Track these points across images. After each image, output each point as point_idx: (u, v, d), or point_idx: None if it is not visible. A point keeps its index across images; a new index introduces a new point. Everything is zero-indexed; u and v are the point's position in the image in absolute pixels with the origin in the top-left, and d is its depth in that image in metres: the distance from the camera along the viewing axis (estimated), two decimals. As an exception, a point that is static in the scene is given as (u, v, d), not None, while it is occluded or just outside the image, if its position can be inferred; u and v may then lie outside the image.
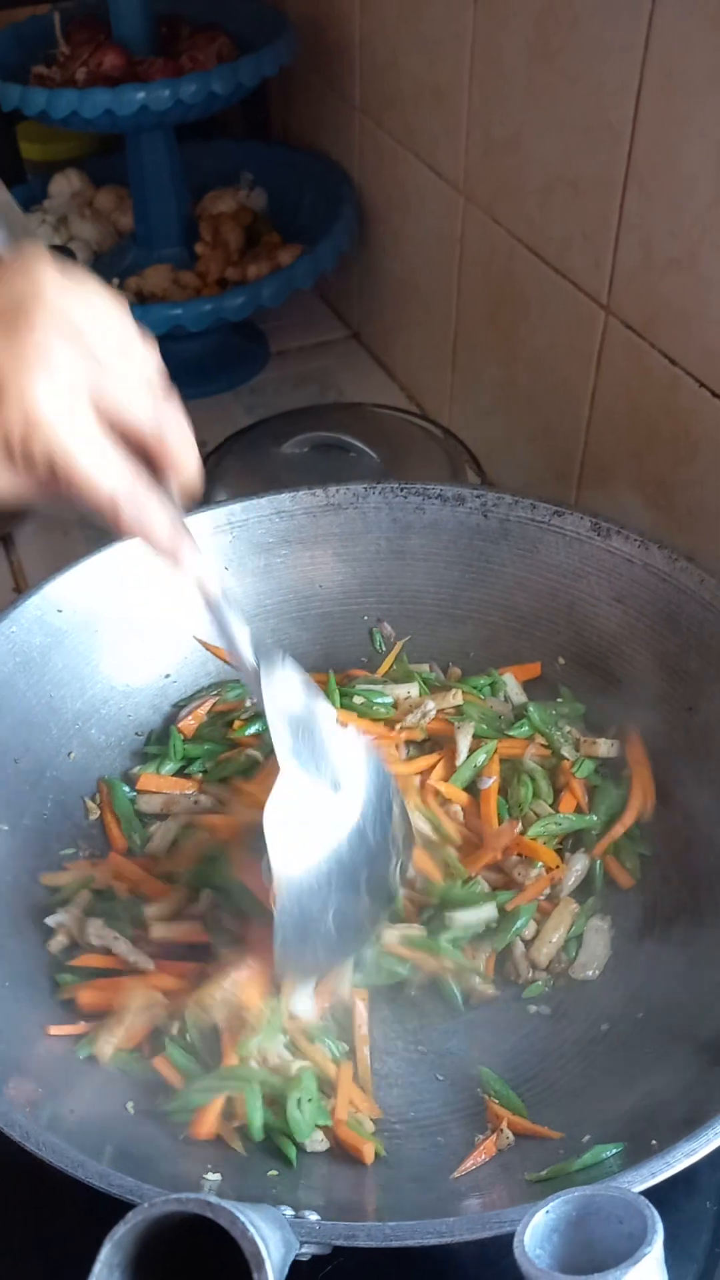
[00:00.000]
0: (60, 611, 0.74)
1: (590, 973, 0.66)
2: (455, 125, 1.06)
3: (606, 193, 0.88)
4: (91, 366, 0.47)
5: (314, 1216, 0.45)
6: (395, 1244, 0.44)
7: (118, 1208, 0.41)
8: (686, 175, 0.79)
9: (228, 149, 1.40)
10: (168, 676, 0.80)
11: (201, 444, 1.17)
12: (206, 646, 0.81)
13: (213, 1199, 0.35)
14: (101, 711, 0.76)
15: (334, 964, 0.63)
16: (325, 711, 0.62)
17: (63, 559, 0.77)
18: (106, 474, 0.48)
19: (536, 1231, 0.42)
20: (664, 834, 0.71)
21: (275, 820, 0.58)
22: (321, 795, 0.60)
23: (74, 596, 0.75)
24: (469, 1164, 0.58)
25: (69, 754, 0.74)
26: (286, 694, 0.60)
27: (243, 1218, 0.35)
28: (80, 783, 0.74)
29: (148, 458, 0.51)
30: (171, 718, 0.79)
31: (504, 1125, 0.59)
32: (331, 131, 1.32)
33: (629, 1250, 0.41)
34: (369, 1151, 0.57)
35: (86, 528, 1.07)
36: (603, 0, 0.83)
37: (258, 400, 1.27)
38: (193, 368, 1.30)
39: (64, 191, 1.36)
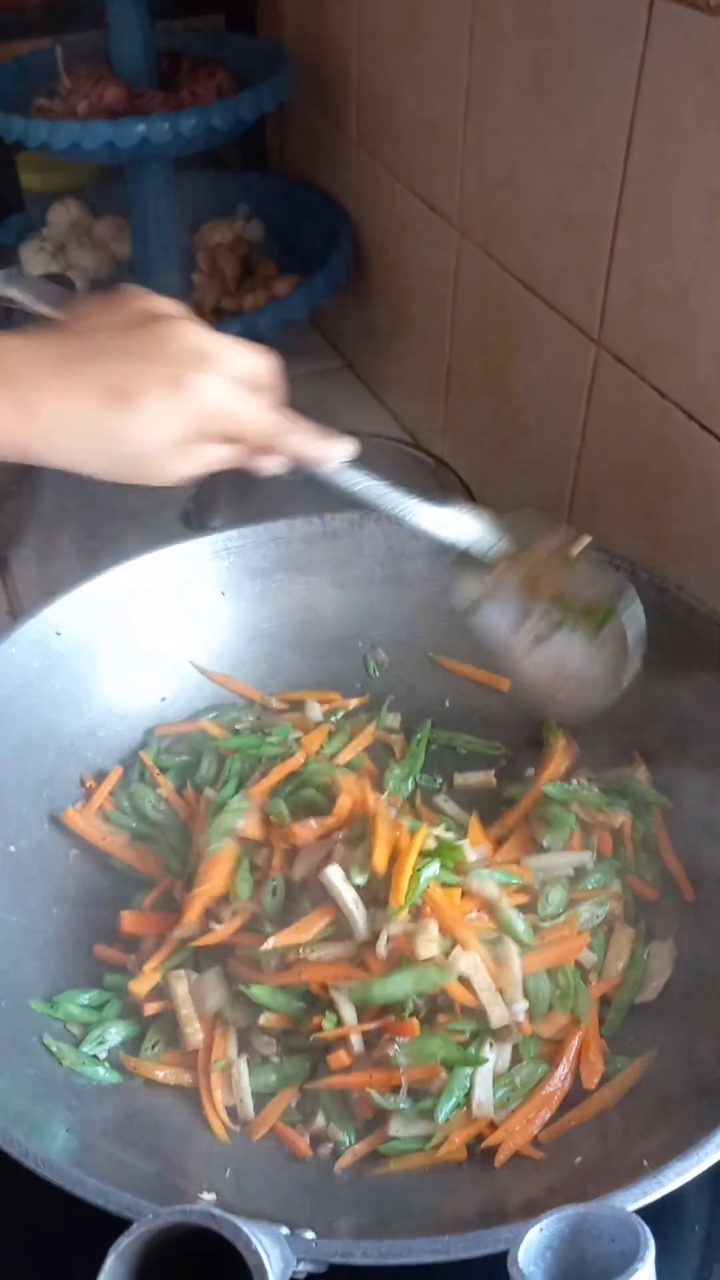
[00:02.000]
0: (59, 635, 0.75)
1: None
2: (451, 161, 1.08)
3: (599, 229, 0.90)
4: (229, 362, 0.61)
5: (310, 1235, 0.45)
6: (391, 1262, 0.44)
7: (115, 1224, 0.41)
8: (678, 214, 0.81)
9: (226, 181, 1.42)
10: (163, 699, 0.80)
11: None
12: (202, 671, 0.82)
13: (216, 1211, 0.36)
14: (99, 734, 0.77)
15: None
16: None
17: (57, 584, 0.79)
18: (262, 415, 0.62)
19: (530, 1248, 0.42)
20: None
21: None
22: None
23: (72, 620, 0.76)
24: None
25: (67, 775, 0.74)
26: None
27: (246, 1229, 0.35)
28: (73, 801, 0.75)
29: None
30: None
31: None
32: (328, 165, 1.34)
33: (621, 1267, 0.41)
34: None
35: (81, 552, 1.08)
36: (596, 42, 0.85)
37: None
38: (188, 395, 1.31)
39: (63, 221, 1.38)
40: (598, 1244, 0.43)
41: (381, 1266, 0.45)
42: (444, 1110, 0.61)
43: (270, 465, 0.65)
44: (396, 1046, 0.61)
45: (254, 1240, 0.35)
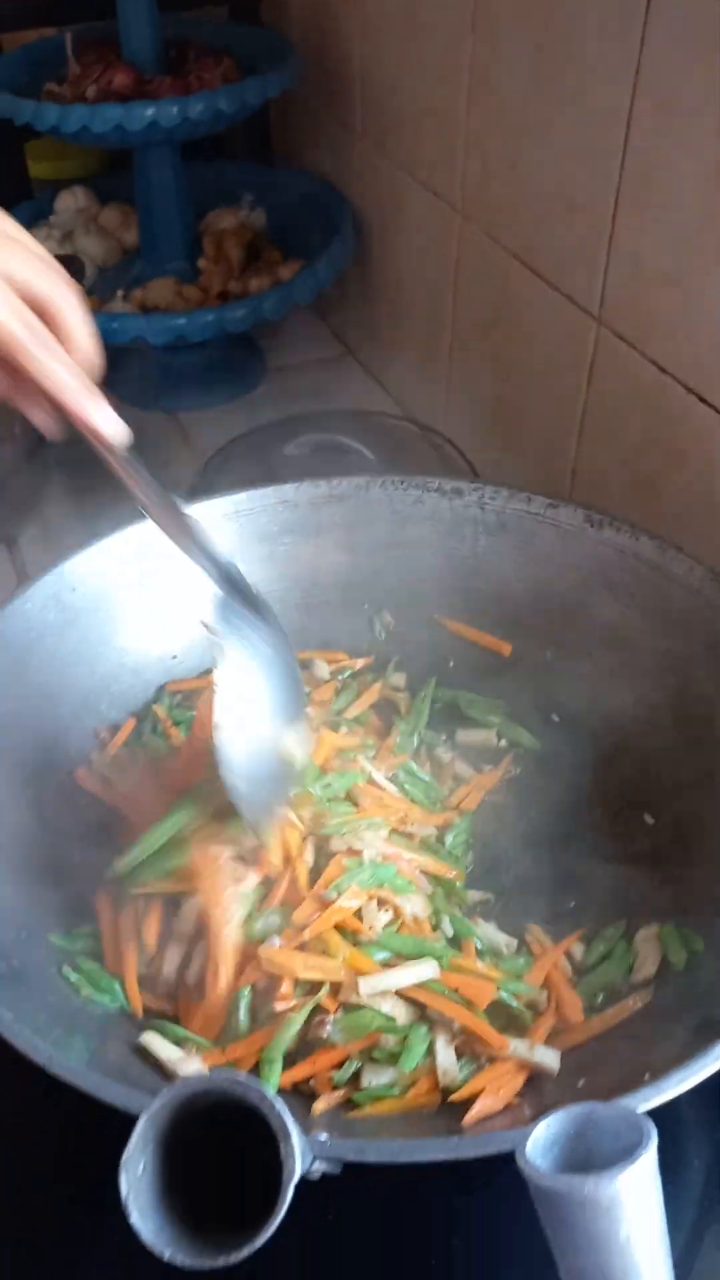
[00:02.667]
0: (74, 590, 0.77)
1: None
2: (453, 148, 1.11)
3: (600, 210, 0.92)
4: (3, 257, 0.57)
5: (324, 1136, 0.47)
6: (404, 1160, 0.46)
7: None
8: (676, 192, 0.84)
9: (230, 171, 1.45)
10: (174, 657, 0.82)
11: (202, 451, 1.20)
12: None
13: (243, 1076, 0.38)
14: (112, 689, 0.79)
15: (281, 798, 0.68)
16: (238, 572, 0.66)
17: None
18: (12, 320, 0.57)
19: (538, 1144, 0.44)
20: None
21: (225, 697, 0.63)
22: (252, 651, 0.66)
23: (86, 576, 0.78)
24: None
25: (81, 727, 0.76)
26: (207, 544, 0.64)
27: (271, 1095, 0.37)
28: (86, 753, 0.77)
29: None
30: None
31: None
32: (331, 154, 1.37)
33: (626, 1162, 0.43)
34: None
35: (89, 533, 1.10)
36: (596, 28, 0.87)
37: (255, 412, 1.31)
38: (193, 380, 1.34)
39: (70, 208, 1.40)
40: (603, 1141, 0.44)
41: (393, 1167, 0.46)
42: (407, 1065, 0.60)
43: (37, 416, 0.61)
44: (329, 1026, 0.61)
45: (278, 1104, 0.37)
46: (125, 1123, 0.42)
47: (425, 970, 0.62)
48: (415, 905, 0.66)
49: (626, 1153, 0.43)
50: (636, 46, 0.83)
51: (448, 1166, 0.60)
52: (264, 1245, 0.56)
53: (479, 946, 0.66)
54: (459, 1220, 0.62)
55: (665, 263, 0.87)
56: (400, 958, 0.63)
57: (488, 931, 0.67)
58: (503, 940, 0.67)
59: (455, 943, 0.67)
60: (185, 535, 0.63)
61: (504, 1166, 0.53)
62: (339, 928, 0.62)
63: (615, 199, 0.90)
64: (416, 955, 0.63)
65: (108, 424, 0.59)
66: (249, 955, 0.62)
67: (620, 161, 0.88)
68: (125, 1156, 0.38)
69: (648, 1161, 0.42)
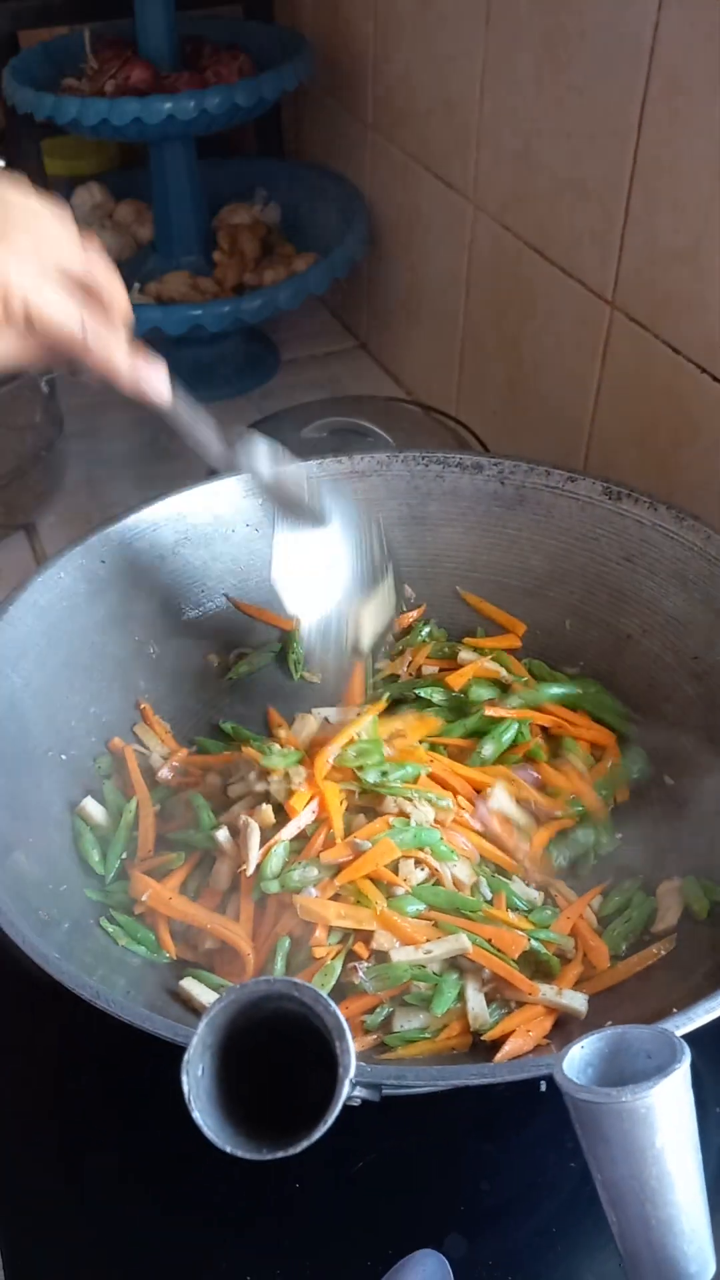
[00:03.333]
0: (103, 563, 0.79)
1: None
2: (466, 138, 1.13)
3: (613, 194, 0.94)
4: (42, 243, 0.60)
5: (363, 1064, 0.48)
6: (442, 1085, 0.47)
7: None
8: (689, 172, 0.85)
9: (244, 167, 1.47)
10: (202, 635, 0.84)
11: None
12: (236, 604, 0.85)
13: (299, 981, 0.39)
14: (140, 658, 0.80)
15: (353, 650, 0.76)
16: (295, 470, 0.78)
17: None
18: (70, 316, 0.60)
19: (574, 1063, 0.46)
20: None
21: (281, 567, 0.74)
22: (311, 533, 0.75)
23: (115, 550, 0.80)
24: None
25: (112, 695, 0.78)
26: (261, 464, 0.74)
27: (325, 997, 0.39)
28: (123, 721, 0.79)
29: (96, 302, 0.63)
30: (204, 669, 0.84)
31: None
32: (344, 149, 1.39)
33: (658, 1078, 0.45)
34: None
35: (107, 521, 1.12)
36: (609, 15, 0.89)
37: (270, 404, 1.33)
38: (208, 372, 1.35)
39: (85, 203, 1.42)
40: (635, 1061, 0.46)
41: (431, 1096, 0.48)
42: (439, 1009, 0.62)
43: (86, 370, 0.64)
44: (361, 974, 0.63)
45: (332, 1005, 0.38)
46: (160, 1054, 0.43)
47: (458, 943, 0.63)
48: (461, 871, 0.68)
49: (660, 1069, 0.45)
50: (651, 26, 0.85)
51: (480, 1111, 0.62)
52: (302, 1186, 0.58)
53: (515, 902, 0.67)
54: (487, 1165, 0.63)
55: (679, 244, 0.88)
56: (435, 910, 0.64)
57: (519, 887, 0.69)
58: (534, 895, 0.69)
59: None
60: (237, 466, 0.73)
61: (532, 1115, 0.55)
62: (373, 879, 0.64)
63: (629, 183, 0.92)
64: (450, 909, 0.64)
65: (158, 389, 0.66)
66: (285, 904, 0.64)
67: (634, 145, 0.90)
68: (185, 1059, 0.39)
69: (681, 1075, 0.43)
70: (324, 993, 0.39)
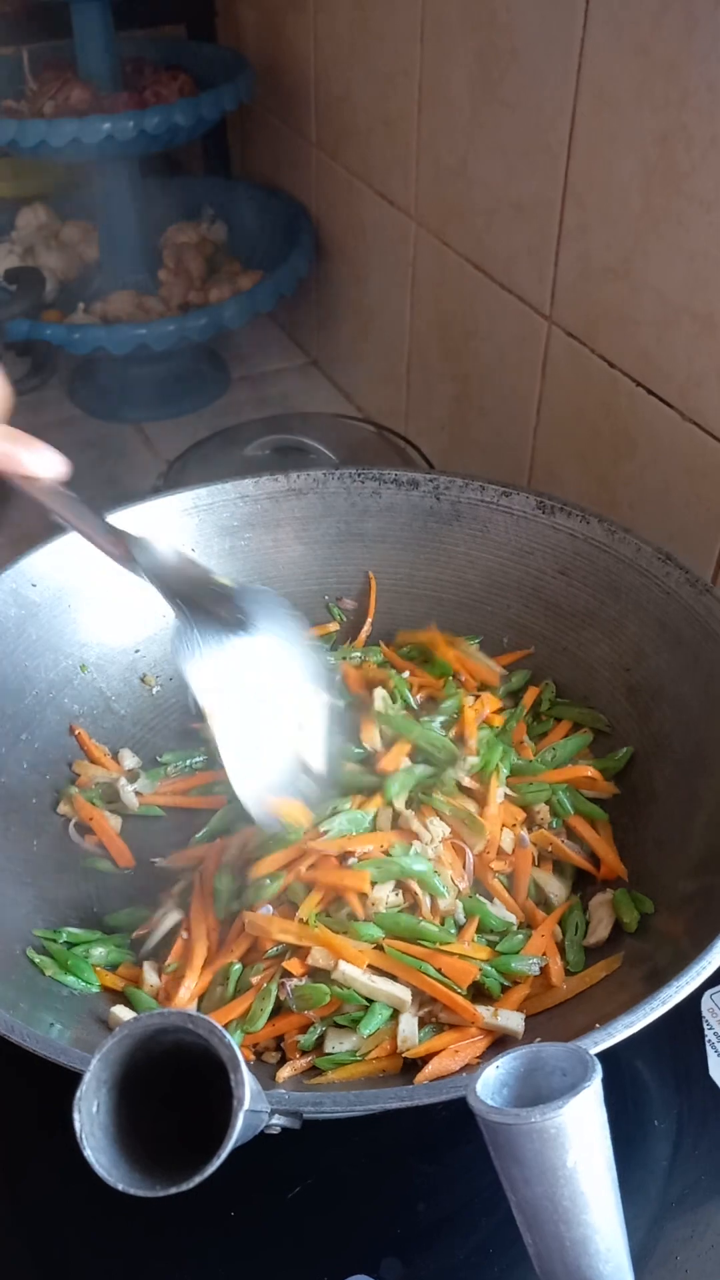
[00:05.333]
0: (34, 585, 0.78)
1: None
2: (406, 155, 1.13)
3: (547, 210, 0.94)
4: None
5: (282, 1090, 0.48)
6: (359, 1111, 0.47)
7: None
8: (618, 188, 0.86)
9: (189, 185, 1.47)
10: (137, 651, 0.83)
11: (166, 459, 1.21)
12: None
13: (193, 1013, 0.39)
14: (74, 683, 0.80)
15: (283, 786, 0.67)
16: (204, 573, 0.65)
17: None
18: None
19: (488, 1085, 0.45)
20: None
21: (194, 669, 0.63)
22: (228, 637, 0.64)
23: (47, 572, 0.79)
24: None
25: (45, 719, 0.77)
26: (158, 559, 0.64)
27: (221, 1029, 0.38)
28: (54, 748, 0.78)
29: None
30: (138, 691, 0.83)
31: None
32: (289, 167, 1.39)
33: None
34: None
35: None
36: (538, 32, 0.90)
37: (220, 421, 1.32)
38: (158, 391, 1.35)
39: (30, 224, 1.42)
40: (550, 1079, 0.45)
41: (368, 1118, 0.47)
42: (366, 1030, 0.61)
43: None
44: (289, 991, 0.62)
45: (228, 1037, 0.38)
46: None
47: (394, 996, 0.62)
48: (445, 902, 0.66)
49: (572, 1087, 0.45)
50: (578, 44, 0.85)
51: (420, 1130, 0.61)
52: (236, 1214, 0.58)
53: (491, 924, 0.66)
54: (424, 1186, 0.63)
55: (611, 259, 0.89)
56: (393, 936, 0.63)
57: (497, 909, 0.67)
58: (511, 918, 0.67)
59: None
60: (131, 561, 0.63)
61: (469, 1133, 0.54)
62: (341, 896, 0.64)
63: (562, 199, 0.93)
64: (410, 938, 0.63)
65: (43, 466, 0.58)
66: (238, 929, 0.63)
67: (565, 161, 0.91)
68: (78, 1096, 0.38)
69: (592, 1093, 0.43)
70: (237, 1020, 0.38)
